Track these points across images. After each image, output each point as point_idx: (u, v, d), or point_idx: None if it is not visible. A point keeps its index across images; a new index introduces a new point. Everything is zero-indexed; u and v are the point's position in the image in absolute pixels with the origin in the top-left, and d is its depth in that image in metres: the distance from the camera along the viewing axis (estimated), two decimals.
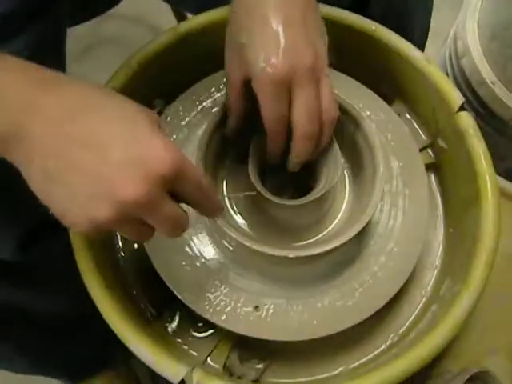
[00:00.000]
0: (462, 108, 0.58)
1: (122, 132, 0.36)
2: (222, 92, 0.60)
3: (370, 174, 0.53)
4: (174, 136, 0.58)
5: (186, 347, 0.54)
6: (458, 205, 0.60)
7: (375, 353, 0.55)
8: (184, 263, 0.53)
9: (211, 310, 0.51)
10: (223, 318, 0.51)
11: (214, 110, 0.58)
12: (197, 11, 0.63)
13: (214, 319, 0.51)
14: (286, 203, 0.52)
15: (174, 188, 0.38)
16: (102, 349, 0.76)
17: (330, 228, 0.56)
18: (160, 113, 0.59)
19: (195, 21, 0.62)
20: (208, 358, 0.53)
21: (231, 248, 0.54)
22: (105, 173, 0.35)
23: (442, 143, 0.62)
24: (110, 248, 0.58)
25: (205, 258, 0.54)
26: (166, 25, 0.62)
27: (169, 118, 0.59)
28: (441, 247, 0.61)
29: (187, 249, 0.54)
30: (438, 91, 0.60)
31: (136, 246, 0.59)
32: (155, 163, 0.36)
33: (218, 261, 0.54)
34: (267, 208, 0.54)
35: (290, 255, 0.48)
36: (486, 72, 0.90)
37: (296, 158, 0.50)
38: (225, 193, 0.57)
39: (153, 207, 0.37)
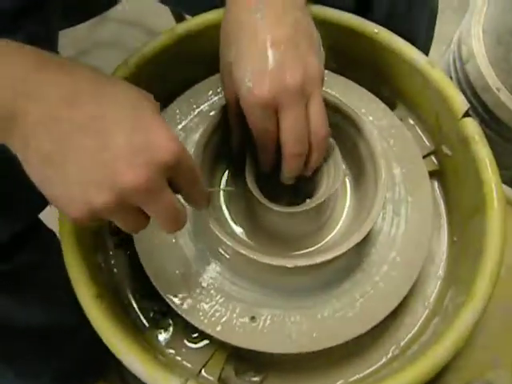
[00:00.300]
0: (466, 114, 0.57)
1: (124, 117, 0.36)
2: (220, 95, 0.59)
3: (372, 181, 0.52)
4: None
5: (179, 358, 0.52)
6: (463, 213, 0.59)
7: (375, 366, 0.54)
8: (178, 271, 0.52)
9: (206, 321, 0.50)
10: (218, 329, 0.50)
11: (212, 113, 0.56)
12: (195, 12, 0.62)
13: (208, 330, 0.50)
14: (285, 210, 0.50)
15: (170, 176, 0.38)
16: (93, 359, 0.74)
17: (330, 236, 0.54)
18: None
19: (193, 22, 0.61)
20: (202, 370, 0.52)
21: (227, 256, 0.52)
22: (106, 158, 0.35)
23: (446, 150, 0.61)
24: (102, 255, 0.56)
25: (200, 267, 0.52)
26: (164, 27, 0.61)
27: None
28: (444, 256, 0.60)
29: (182, 257, 0.52)
30: (441, 96, 0.58)
31: (128, 252, 0.57)
32: (159, 151, 0.36)
33: (214, 269, 0.52)
34: (265, 215, 0.53)
35: (289, 265, 0.46)
36: (491, 78, 0.89)
37: (287, 174, 0.50)
38: (222, 186, 0.56)
39: (153, 195, 0.36)
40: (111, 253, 0.58)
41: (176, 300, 0.50)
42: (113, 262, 0.57)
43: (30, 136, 0.35)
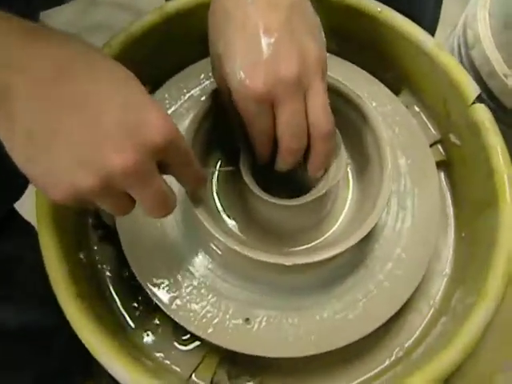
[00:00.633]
0: (477, 100, 0.54)
1: (113, 95, 0.35)
2: (212, 79, 0.55)
3: (377, 172, 0.48)
4: None
5: (167, 362, 0.49)
6: (472, 207, 0.56)
7: (378, 369, 0.51)
8: (166, 268, 0.48)
9: (196, 323, 0.47)
10: (210, 331, 0.46)
11: (203, 98, 0.53)
12: None
13: (199, 332, 0.46)
14: (282, 203, 0.47)
15: (161, 159, 0.37)
16: (80, 358, 0.71)
17: (331, 231, 0.51)
18: None
19: (183, 0, 0.57)
20: (193, 375, 0.49)
21: (219, 252, 0.49)
22: (94, 138, 0.34)
23: (454, 138, 0.58)
24: (85, 250, 0.53)
25: (190, 263, 0.49)
26: None
27: None
28: (451, 253, 0.56)
29: (170, 252, 0.49)
30: (450, 81, 0.55)
31: (112, 248, 0.54)
32: (150, 131, 0.35)
33: (205, 266, 0.49)
34: (261, 208, 0.49)
35: (287, 263, 0.43)
36: (498, 64, 0.86)
37: (283, 166, 0.46)
38: (217, 168, 0.53)
39: (141, 178, 0.35)
40: (95, 247, 0.54)
41: (164, 299, 0.47)
42: (97, 257, 0.54)
43: (14, 112, 0.33)
